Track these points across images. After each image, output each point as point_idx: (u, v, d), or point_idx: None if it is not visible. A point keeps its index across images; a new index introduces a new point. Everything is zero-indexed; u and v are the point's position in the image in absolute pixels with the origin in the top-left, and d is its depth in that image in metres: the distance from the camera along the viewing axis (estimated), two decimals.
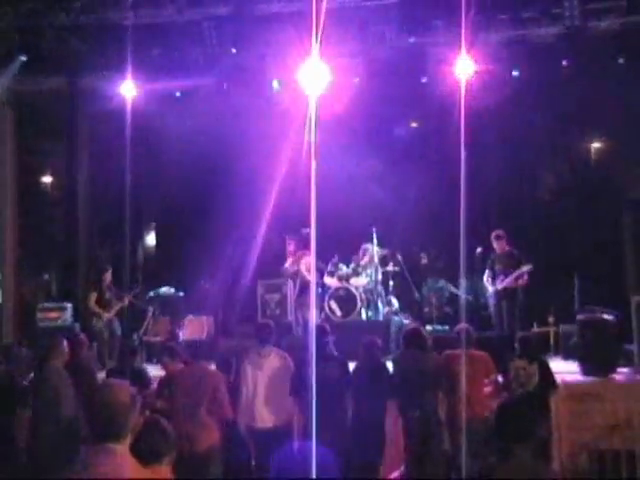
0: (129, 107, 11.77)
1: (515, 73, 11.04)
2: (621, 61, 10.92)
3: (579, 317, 10.03)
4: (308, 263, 10.99)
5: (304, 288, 11.27)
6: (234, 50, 11.43)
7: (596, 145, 13.45)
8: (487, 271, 10.67)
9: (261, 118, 12.22)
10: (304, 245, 11.68)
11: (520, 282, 10.53)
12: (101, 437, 3.03)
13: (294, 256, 11.85)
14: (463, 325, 8.25)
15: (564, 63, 11.06)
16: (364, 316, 11.55)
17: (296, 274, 11.59)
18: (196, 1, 11.17)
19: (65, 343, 7.62)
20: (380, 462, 7.47)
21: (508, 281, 10.49)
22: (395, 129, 13.69)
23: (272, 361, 7.55)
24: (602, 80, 11.11)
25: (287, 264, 11.92)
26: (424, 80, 11.66)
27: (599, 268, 11.45)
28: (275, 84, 12.03)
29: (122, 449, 3.06)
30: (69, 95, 12.67)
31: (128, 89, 11.66)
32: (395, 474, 7.42)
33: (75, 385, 7.15)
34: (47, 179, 15.22)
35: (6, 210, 12.89)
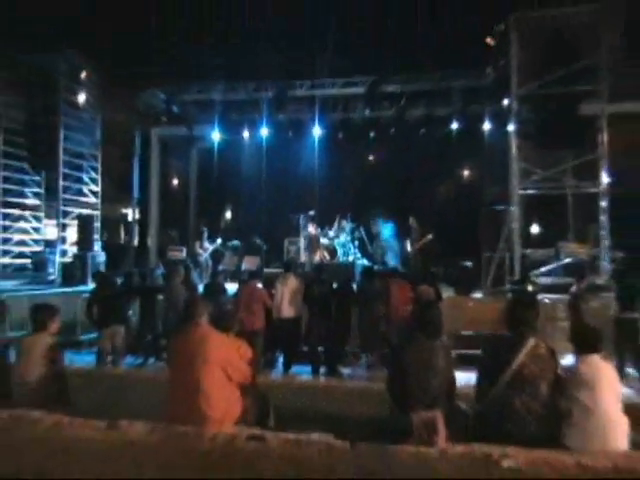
0: (216, 146, 16.12)
1: None
2: None
3: (450, 263, 13.59)
4: (313, 230, 15.17)
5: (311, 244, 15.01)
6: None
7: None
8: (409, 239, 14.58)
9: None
10: (310, 220, 15.53)
11: (421, 247, 14.52)
12: (188, 317, 4.05)
13: (305, 226, 15.40)
14: (395, 265, 12.33)
15: None
16: (342, 260, 15.35)
17: (307, 236, 15.24)
18: (256, 87, 16.06)
19: (182, 270, 9.36)
20: (347, 338, 9.02)
21: (416, 246, 14.57)
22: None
23: (291, 281, 8.93)
24: None
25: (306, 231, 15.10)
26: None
27: (461, 235, 14.57)
28: None
29: (204, 322, 3.98)
30: (188, 138, 16.98)
31: (216, 136, 16.16)
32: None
33: (186, 292, 8.94)
34: (175, 181, 19.93)
35: (152, 198, 17.08)
